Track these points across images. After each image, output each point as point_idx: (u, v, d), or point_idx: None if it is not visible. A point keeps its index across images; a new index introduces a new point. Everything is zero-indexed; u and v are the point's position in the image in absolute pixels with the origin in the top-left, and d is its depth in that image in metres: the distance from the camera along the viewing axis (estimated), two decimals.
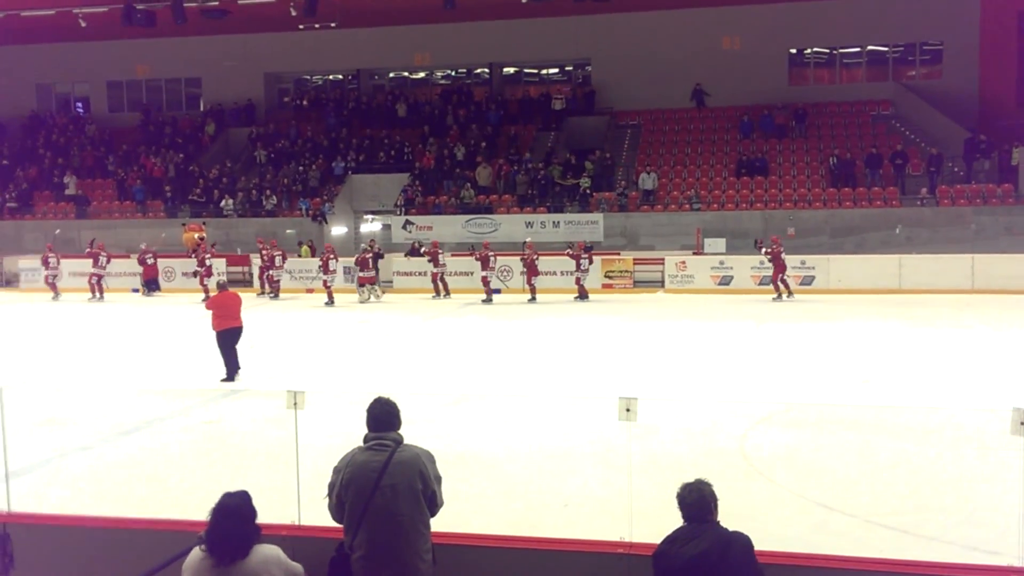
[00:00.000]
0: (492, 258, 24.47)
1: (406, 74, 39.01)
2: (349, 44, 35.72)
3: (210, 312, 13.81)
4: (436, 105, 36.36)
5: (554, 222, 29.83)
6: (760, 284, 24.09)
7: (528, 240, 26.08)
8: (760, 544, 4.50)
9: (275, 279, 25.98)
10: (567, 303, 23.53)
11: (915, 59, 33.86)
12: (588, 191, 30.87)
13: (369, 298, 24.59)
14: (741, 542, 4.42)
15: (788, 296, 23.06)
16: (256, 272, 26.92)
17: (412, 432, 5.05)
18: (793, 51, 34.33)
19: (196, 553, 4.38)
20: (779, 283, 23.16)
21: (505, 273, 25.65)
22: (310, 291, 26.29)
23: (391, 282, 27.00)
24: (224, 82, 37.95)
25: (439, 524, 4.98)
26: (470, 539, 5.46)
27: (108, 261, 26.86)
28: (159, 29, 30.12)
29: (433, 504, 4.88)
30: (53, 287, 26.92)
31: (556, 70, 37.69)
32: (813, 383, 13.10)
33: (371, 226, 34.13)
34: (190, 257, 26.89)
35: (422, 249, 26.46)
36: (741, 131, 32.85)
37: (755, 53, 33.15)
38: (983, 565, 5.36)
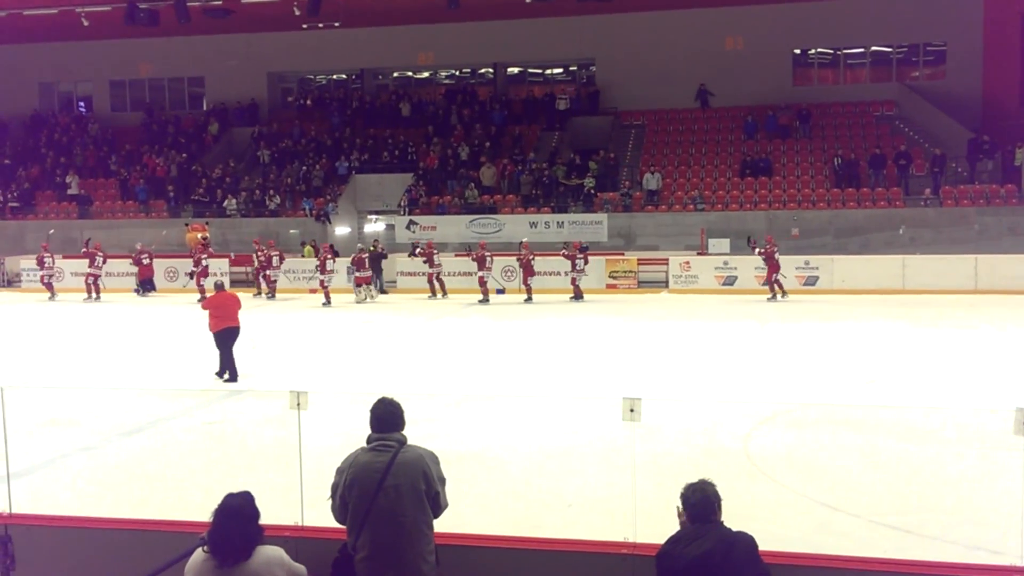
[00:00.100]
0: (489, 258, 24.47)
1: (410, 74, 39.03)
2: (353, 43, 35.71)
3: (207, 312, 13.82)
4: (440, 105, 36.35)
5: (558, 222, 29.81)
6: (763, 284, 24.05)
7: (524, 240, 26.07)
8: (763, 544, 4.49)
9: (272, 279, 26.02)
10: (563, 303, 23.53)
11: (919, 60, 33.82)
12: (592, 191, 30.86)
13: (366, 298, 24.61)
14: (745, 542, 4.41)
15: (782, 296, 23.06)
16: (262, 273, 26.85)
17: (415, 432, 5.04)
18: (797, 51, 34.30)
19: (199, 554, 4.37)
20: (773, 283, 23.17)
21: (509, 273, 25.66)
22: (313, 291, 26.28)
23: (395, 282, 27.00)
24: (227, 81, 37.96)
25: (442, 525, 4.97)
26: (473, 540, 5.45)
27: (104, 261, 26.88)
28: (162, 28, 30.14)
29: (437, 505, 4.86)
30: (49, 287, 26.95)
31: (560, 70, 37.69)
32: (816, 383, 13.08)
33: (375, 226, 34.13)
34: (193, 257, 26.91)
35: (416, 250, 26.48)
36: (745, 131, 32.82)
37: (759, 53, 33.12)
38: (986, 565, 5.35)
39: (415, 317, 21.53)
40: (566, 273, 24.37)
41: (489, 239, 28.68)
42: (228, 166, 35.21)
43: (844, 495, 8.13)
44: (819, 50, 34.45)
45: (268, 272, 25.97)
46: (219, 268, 27.14)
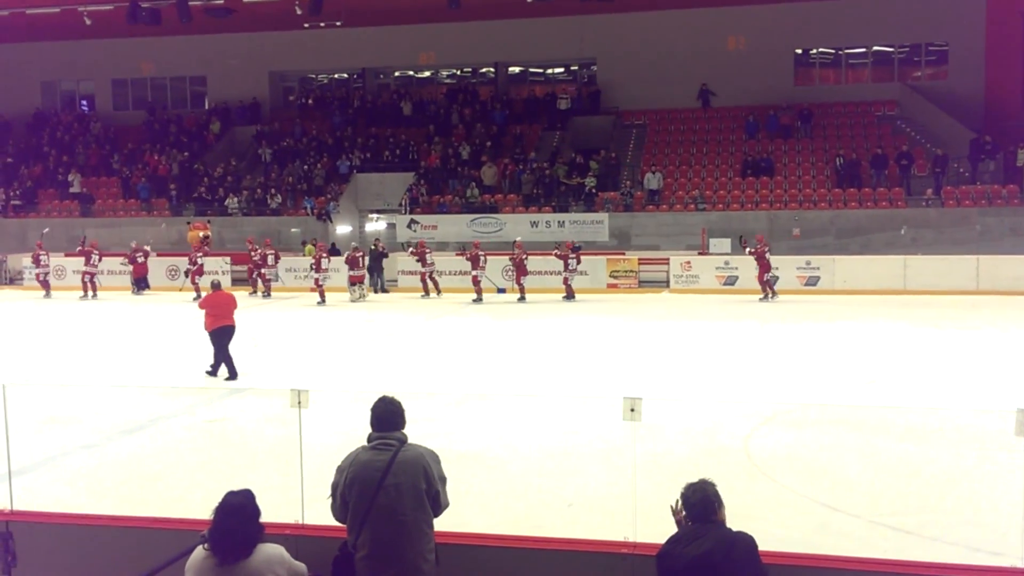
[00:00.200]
0: (483, 257, 24.48)
1: (411, 73, 39.03)
2: (354, 43, 35.72)
3: (203, 311, 13.84)
4: (441, 104, 36.36)
5: (559, 222, 29.81)
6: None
7: (518, 240, 26.09)
8: (763, 544, 4.49)
9: (267, 278, 26.05)
10: (557, 303, 23.56)
11: (921, 60, 33.81)
12: (593, 191, 30.86)
13: (360, 297, 24.62)
14: (745, 542, 4.41)
15: (772, 297, 23.06)
16: (257, 271, 26.84)
17: (415, 431, 5.04)
18: (799, 51, 34.30)
19: (199, 552, 4.38)
20: (765, 283, 23.17)
21: (509, 273, 25.67)
22: (313, 290, 26.29)
23: (396, 281, 27.01)
24: (229, 80, 38.00)
25: (442, 524, 4.98)
26: (473, 539, 5.45)
27: (100, 259, 26.90)
28: (164, 27, 30.15)
29: (437, 504, 4.87)
30: (45, 285, 26.98)
31: (561, 69, 37.69)
32: (817, 383, 13.08)
33: (376, 225, 34.15)
34: (189, 256, 26.94)
35: (409, 249, 26.47)
36: (746, 131, 32.82)
37: (760, 53, 33.13)
38: (986, 566, 5.35)
39: (415, 316, 21.53)
40: (558, 273, 24.41)
41: (490, 238, 28.72)
42: (230, 165, 35.24)
43: (844, 495, 8.13)
44: (821, 50, 34.44)
45: (264, 271, 26.01)
46: (220, 266, 27.24)
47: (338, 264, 25.33)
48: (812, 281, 24.60)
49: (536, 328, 19.26)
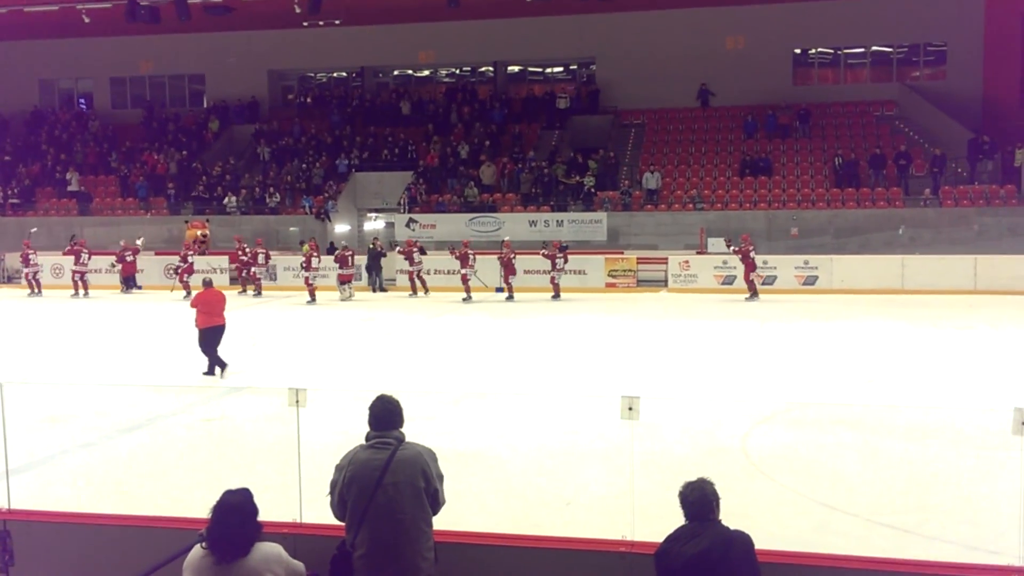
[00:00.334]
0: (471, 256, 24.49)
1: (410, 72, 39.02)
2: (353, 41, 35.68)
3: (194, 309, 13.83)
4: (440, 103, 36.35)
5: (558, 221, 29.81)
6: (763, 284, 24.04)
7: (506, 239, 26.09)
8: (762, 543, 4.49)
9: (257, 277, 26.05)
10: (546, 302, 23.58)
11: (919, 60, 33.81)
12: (592, 190, 30.86)
13: (349, 296, 24.62)
14: (742, 541, 4.42)
15: (751, 297, 23.06)
16: (247, 270, 26.74)
17: (414, 430, 5.04)
18: (797, 51, 34.30)
19: (197, 551, 4.38)
20: (751, 282, 23.18)
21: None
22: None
23: (394, 280, 27.01)
24: (228, 79, 37.95)
25: (441, 522, 4.98)
26: (472, 537, 5.45)
27: (89, 257, 26.88)
28: (162, 25, 30.09)
29: (435, 503, 4.87)
30: (36, 283, 26.95)
31: (560, 69, 37.68)
32: (815, 383, 13.09)
33: (375, 224, 34.13)
34: (180, 253, 26.93)
35: (396, 248, 26.43)
36: (745, 131, 32.82)
37: (759, 53, 33.12)
38: (984, 565, 5.34)
39: (413, 315, 21.53)
40: (547, 272, 24.42)
41: (489, 237, 28.73)
42: (228, 164, 35.20)
43: (843, 494, 8.14)
44: (819, 50, 34.44)
45: (254, 270, 26.00)
46: (218, 265, 27.22)
47: (329, 263, 25.33)
48: (810, 280, 24.61)
49: (534, 327, 19.26)
